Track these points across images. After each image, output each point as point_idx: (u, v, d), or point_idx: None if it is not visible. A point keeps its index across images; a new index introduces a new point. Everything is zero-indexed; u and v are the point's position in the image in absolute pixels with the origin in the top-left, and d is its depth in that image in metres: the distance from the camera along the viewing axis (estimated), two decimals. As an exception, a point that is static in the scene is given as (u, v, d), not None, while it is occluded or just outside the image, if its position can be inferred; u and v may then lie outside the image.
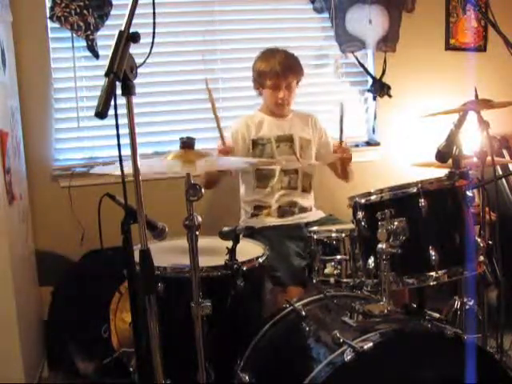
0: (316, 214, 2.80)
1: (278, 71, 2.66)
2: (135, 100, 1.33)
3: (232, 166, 2.38)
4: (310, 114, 2.94)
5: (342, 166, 2.81)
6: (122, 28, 1.29)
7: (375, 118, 3.42)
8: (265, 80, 2.72)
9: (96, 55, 2.94)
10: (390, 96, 3.34)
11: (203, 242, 1.75)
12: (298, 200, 2.78)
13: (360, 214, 1.82)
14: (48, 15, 2.88)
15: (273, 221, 2.72)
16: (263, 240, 2.39)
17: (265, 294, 2.14)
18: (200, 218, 1.62)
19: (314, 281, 1.98)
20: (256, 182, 2.77)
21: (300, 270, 2.37)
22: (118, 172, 1.31)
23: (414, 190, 1.75)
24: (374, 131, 3.45)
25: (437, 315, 1.82)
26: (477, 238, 1.82)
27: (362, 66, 3.36)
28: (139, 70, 1.32)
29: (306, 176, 2.81)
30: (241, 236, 1.87)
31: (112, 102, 1.22)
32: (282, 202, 2.75)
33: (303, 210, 2.78)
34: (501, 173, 3.03)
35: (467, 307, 2.32)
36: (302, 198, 2.79)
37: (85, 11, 2.87)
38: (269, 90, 2.73)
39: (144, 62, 1.39)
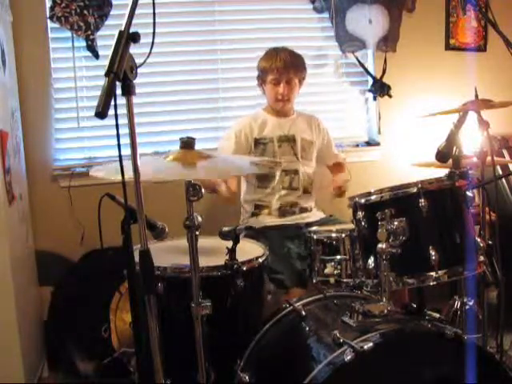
0: (316, 215, 2.80)
1: (278, 66, 2.68)
2: (135, 100, 1.33)
3: (236, 172, 2.37)
4: (314, 115, 2.94)
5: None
6: (122, 28, 1.29)
7: (380, 118, 3.42)
8: (266, 75, 2.73)
9: (96, 55, 2.94)
10: (390, 96, 3.34)
11: (203, 242, 1.75)
12: (299, 200, 2.78)
13: (360, 214, 1.82)
14: (48, 15, 2.89)
15: (273, 220, 2.72)
16: (264, 242, 2.39)
17: (265, 294, 2.14)
18: (200, 218, 1.62)
19: (314, 281, 1.98)
20: (257, 181, 2.78)
21: (301, 272, 2.38)
22: (118, 176, 1.31)
23: (414, 190, 1.75)
24: (379, 131, 3.44)
25: (437, 315, 1.82)
26: (477, 238, 1.82)
27: (362, 65, 3.36)
28: (139, 70, 1.32)
29: (307, 177, 2.81)
30: (241, 236, 1.87)
31: (112, 102, 1.22)
32: (283, 202, 2.75)
33: (304, 210, 2.78)
34: (501, 173, 3.02)
35: (467, 307, 2.32)
36: (302, 199, 2.79)
37: (85, 11, 2.88)
38: (269, 85, 2.73)
39: (144, 61, 1.39)
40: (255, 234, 2.41)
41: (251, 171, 2.39)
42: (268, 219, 2.73)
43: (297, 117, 2.86)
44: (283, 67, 2.68)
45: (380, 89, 3.33)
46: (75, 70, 3.01)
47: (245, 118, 2.85)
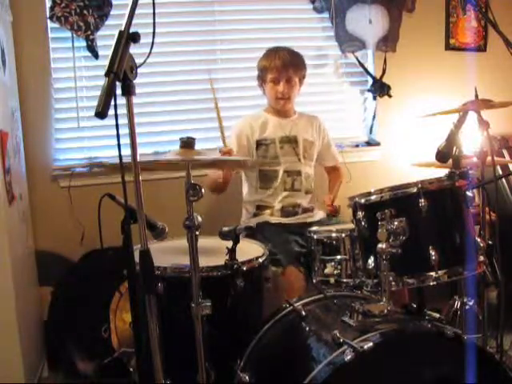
0: (317, 215, 2.80)
1: (277, 65, 2.69)
2: (135, 100, 1.33)
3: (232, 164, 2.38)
4: (315, 116, 2.95)
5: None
6: (122, 28, 1.29)
7: (374, 117, 3.42)
8: (266, 74, 2.74)
9: (96, 55, 2.94)
10: (390, 96, 3.34)
11: (203, 242, 1.75)
12: (302, 201, 2.78)
13: (360, 214, 1.82)
14: (48, 15, 2.88)
15: (275, 219, 2.72)
16: (263, 236, 2.39)
17: (265, 294, 2.14)
18: (200, 218, 1.62)
19: (314, 281, 1.98)
20: (259, 182, 2.78)
21: (298, 254, 2.39)
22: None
23: (414, 190, 1.75)
24: (371, 131, 3.45)
25: (437, 315, 1.82)
26: (477, 238, 1.82)
27: (362, 65, 3.36)
28: (139, 70, 1.32)
29: (308, 178, 2.82)
30: (241, 236, 1.87)
31: (112, 102, 1.22)
32: (285, 203, 2.75)
33: (306, 210, 2.78)
34: (501, 173, 3.03)
35: (467, 307, 2.32)
36: (305, 200, 2.79)
37: (85, 11, 2.87)
38: (269, 84, 2.74)
39: (144, 61, 1.39)
40: (254, 231, 2.42)
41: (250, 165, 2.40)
42: (270, 218, 2.73)
43: (298, 117, 2.87)
44: (282, 66, 2.68)
45: (380, 89, 3.33)
46: (75, 70, 3.01)
47: (245, 118, 2.85)
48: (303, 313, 1.84)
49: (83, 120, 3.05)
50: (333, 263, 1.93)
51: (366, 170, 3.34)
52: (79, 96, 3.03)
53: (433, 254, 1.70)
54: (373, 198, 1.80)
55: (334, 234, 1.96)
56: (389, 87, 3.33)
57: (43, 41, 2.95)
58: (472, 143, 2.24)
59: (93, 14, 2.89)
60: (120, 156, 1.30)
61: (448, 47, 3.47)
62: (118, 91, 1.26)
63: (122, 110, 1.26)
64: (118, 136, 1.27)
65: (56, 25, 2.89)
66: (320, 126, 2.91)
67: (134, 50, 1.29)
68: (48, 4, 2.90)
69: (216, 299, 1.67)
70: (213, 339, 1.69)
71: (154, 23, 1.38)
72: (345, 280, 1.92)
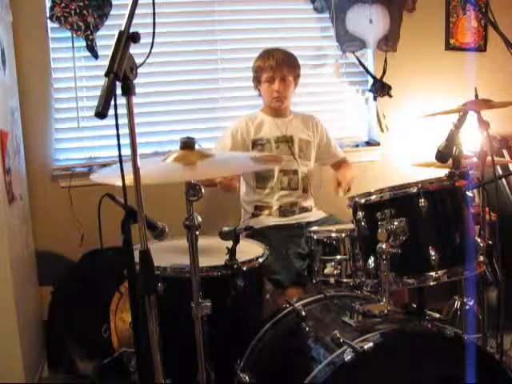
0: (316, 214, 2.80)
1: (272, 64, 2.71)
2: (135, 100, 1.33)
3: (236, 170, 2.37)
4: (312, 115, 2.95)
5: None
6: (122, 28, 1.28)
7: (384, 116, 3.40)
8: (261, 75, 2.76)
9: (96, 55, 2.94)
10: (390, 96, 3.34)
11: (203, 241, 1.75)
12: (299, 200, 2.78)
13: (360, 214, 1.82)
14: (48, 15, 2.88)
15: (274, 220, 2.72)
16: (264, 242, 2.39)
17: (265, 293, 2.14)
18: (200, 218, 1.62)
19: (314, 281, 1.98)
20: (255, 182, 2.78)
21: (299, 272, 2.38)
22: (119, 182, 1.31)
23: (414, 190, 1.75)
24: (382, 130, 3.41)
25: (437, 315, 1.82)
26: (477, 238, 1.82)
27: (363, 65, 3.36)
28: (139, 70, 1.32)
29: (305, 177, 2.82)
30: (241, 236, 1.87)
31: (112, 102, 1.22)
32: (283, 202, 2.76)
33: (304, 209, 2.79)
34: (501, 173, 3.03)
35: (467, 307, 2.32)
36: (302, 199, 2.80)
37: (85, 11, 2.87)
38: (265, 84, 2.76)
39: (144, 61, 1.39)
40: (255, 234, 2.41)
41: (252, 169, 2.33)
42: (269, 219, 2.73)
43: (294, 117, 2.87)
44: (276, 65, 2.71)
45: (380, 89, 3.33)
46: (75, 70, 3.01)
47: (242, 118, 2.86)
48: (303, 313, 1.84)
49: (83, 120, 3.05)
50: (333, 263, 1.94)
51: (366, 170, 3.34)
52: (79, 96, 3.03)
53: (433, 254, 1.71)
54: (373, 198, 1.80)
55: (333, 234, 1.96)
56: (389, 87, 3.33)
57: (43, 41, 2.95)
58: (472, 143, 2.24)
59: (93, 14, 2.89)
60: (120, 156, 1.29)
61: (448, 47, 3.47)
62: (118, 91, 1.26)
63: (122, 110, 1.26)
64: (118, 136, 1.27)
65: (56, 25, 2.89)
66: (317, 124, 2.91)
67: (134, 50, 1.29)
68: (48, 4, 2.89)
69: (216, 299, 1.67)
70: (213, 339, 1.69)
71: (153, 23, 1.38)
72: (345, 280, 1.93)
